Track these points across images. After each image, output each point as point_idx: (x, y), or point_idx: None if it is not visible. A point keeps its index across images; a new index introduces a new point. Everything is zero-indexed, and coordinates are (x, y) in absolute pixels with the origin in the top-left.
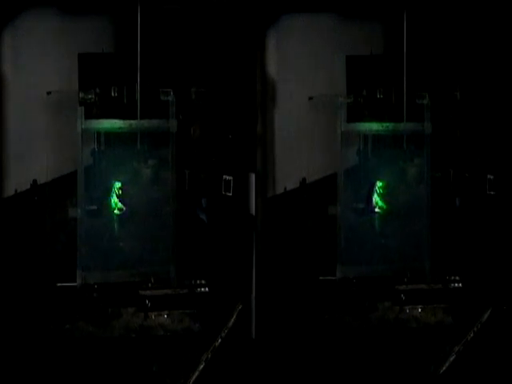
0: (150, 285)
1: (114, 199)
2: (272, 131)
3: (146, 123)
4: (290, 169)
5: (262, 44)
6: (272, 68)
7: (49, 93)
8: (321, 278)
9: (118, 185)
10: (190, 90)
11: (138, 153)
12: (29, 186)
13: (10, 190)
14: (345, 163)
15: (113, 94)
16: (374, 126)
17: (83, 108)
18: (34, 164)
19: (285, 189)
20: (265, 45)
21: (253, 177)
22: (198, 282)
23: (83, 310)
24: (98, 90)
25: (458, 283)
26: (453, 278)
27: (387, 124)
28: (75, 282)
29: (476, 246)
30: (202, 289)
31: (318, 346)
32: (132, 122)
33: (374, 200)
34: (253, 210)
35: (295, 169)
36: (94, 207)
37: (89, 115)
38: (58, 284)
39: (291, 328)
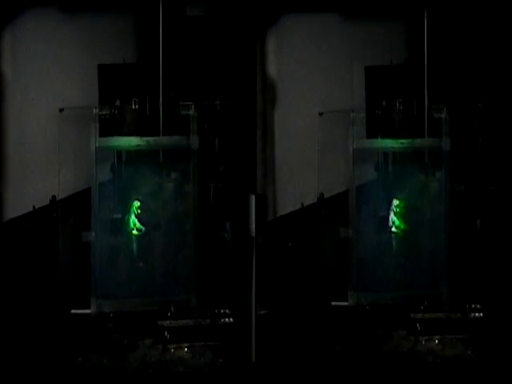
0: (169, 314)
1: (133, 219)
2: (272, 148)
3: (165, 140)
4: (297, 188)
5: (262, 49)
6: (273, 74)
7: (61, 110)
8: (333, 303)
9: (136, 204)
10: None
11: (156, 171)
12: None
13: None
14: (358, 182)
15: (133, 108)
16: (390, 143)
17: (97, 125)
18: (47, 183)
19: (302, 204)
20: (265, 51)
21: (253, 198)
22: (222, 311)
23: (97, 340)
24: (117, 104)
25: (479, 312)
26: (473, 306)
27: (402, 141)
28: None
29: (499, 271)
30: (226, 319)
31: (326, 378)
32: (150, 139)
33: (390, 219)
34: (253, 232)
35: (303, 188)
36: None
37: (105, 132)
38: (73, 311)
39: (295, 355)
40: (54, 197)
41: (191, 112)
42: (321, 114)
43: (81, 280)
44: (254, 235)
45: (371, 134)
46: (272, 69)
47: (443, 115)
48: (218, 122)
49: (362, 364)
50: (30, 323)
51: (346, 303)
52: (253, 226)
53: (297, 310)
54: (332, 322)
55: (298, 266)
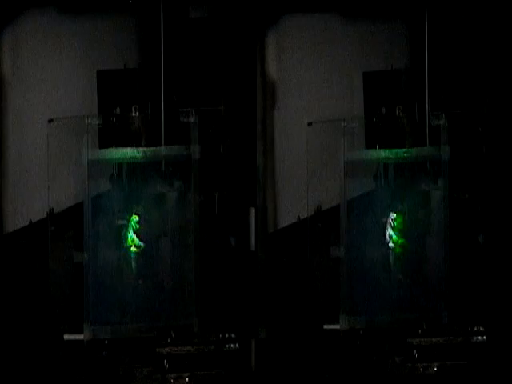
0: (168, 340)
1: (131, 235)
2: (272, 156)
3: (163, 150)
4: (295, 200)
5: (262, 52)
6: (273, 79)
7: (50, 120)
8: (325, 326)
9: (135, 218)
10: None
11: (156, 184)
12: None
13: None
14: (351, 195)
15: (133, 115)
16: (384, 154)
17: (89, 136)
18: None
19: (298, 218)
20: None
21: (253, 211)
22: (227, 336)
23: (90, 370)
24: (117, 112)
25: (482, 336)
26: (476, 329)
27: (397, 150)
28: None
29: (503, 290)
30: (232, 345)
31: None
32: (146, 149)
33: (387, 234)
34: (253, 246)
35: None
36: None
37: (106, 142)
38: (65, 336)
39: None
40: (51, 210)
41: (192, 119)
42: (310, 124)
43: (78, 302)
44: (253, 249)
45: (370, 143)
46: (272, 73)
47: (442, 122)
48: (223, 128)
49: None
50: (20, 348)
51: (338, 327)
52: (253, 240)
53: (288, 333)
54: (323, 347)
55: (291, 284)
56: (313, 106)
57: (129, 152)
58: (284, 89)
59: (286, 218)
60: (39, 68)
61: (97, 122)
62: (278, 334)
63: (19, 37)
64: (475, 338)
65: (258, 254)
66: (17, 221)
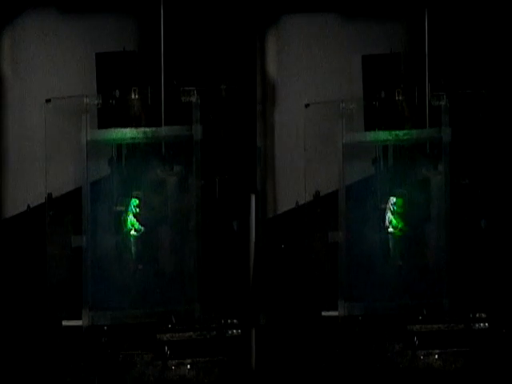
0: (169, 326)
1: (131, 218)
2: (272, 143)
3: (164, 131)
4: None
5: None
6: (273, 72)
7: (48, 100)
8: (324, 313)
9: (135, 202)
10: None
11: (156, 165)
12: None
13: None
14: (351, 179)
15: (132, 97)
16: (383, 136)
17: (88, 116)
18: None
19: (297, 203)
20: (265, 48)
21: (253, 198)
22: (229, 321)
23: (89, 356)
24: (116, 94)
25: (484, 323)
26: (478, 315)
27: (397, 132)
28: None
29: (506, 276)
30: (234, 331)
31: None
32: (147, 130)
33: (387, 218)
34: (253, 236)
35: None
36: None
37: (105, 123)
38: (64, 322)
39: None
40: (49, 194)
41: (193, 99)
42: (307, 105)
43: (77, 287)
44: (253, 236)
45: (369, 126)
46: (271, 62)
47: (443, 103)
48: (224, 109)
49: (353, 383)
50: (18, 334)
51: (336, 313)
52: (253, 228)
53: (285, 320)
54: (321, 335)
55: (290, 270)
56: (312, 89)
57: (128, 132)
58: (284, 71)
59: (284, 204)
60: (38, 51)
61: (96, 102)
62: (277, 321)
63: (18, 22)
64: (477, 324)
65: (258, 239)
66: (15, 206)
